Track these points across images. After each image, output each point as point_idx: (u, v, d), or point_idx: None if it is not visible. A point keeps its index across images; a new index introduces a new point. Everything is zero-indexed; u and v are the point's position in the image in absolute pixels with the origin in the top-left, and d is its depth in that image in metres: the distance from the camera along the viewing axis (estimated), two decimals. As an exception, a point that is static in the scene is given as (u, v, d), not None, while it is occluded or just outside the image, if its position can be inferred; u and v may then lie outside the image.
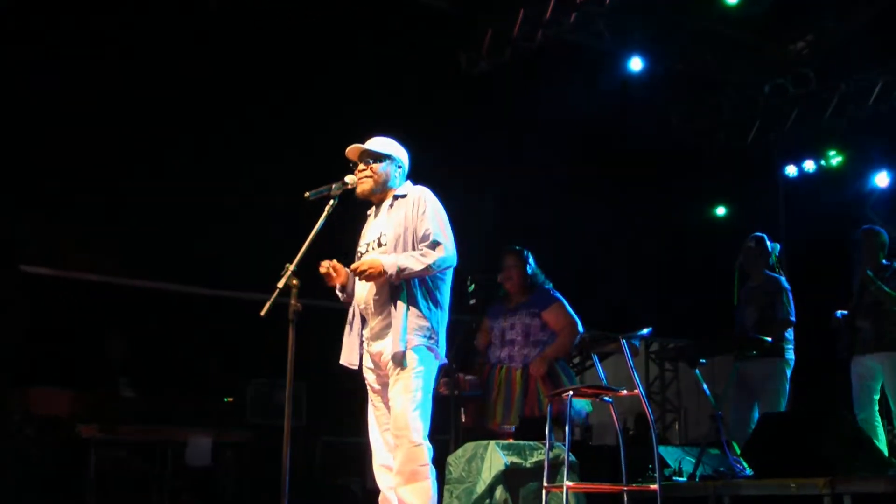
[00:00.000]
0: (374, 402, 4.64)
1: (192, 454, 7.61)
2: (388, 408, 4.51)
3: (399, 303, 4.42)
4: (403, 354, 4.37)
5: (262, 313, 4.10)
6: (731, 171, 10.59)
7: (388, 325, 4.46)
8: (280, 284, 4.15)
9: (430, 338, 4.45)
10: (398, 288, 4.43)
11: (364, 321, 4.63)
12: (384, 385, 4.55)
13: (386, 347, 4.45)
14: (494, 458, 5.45)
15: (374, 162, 4.65)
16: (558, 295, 6.45)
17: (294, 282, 4.17)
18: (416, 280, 4.45)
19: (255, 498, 7.63)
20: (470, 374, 6.50)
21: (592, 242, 9.73)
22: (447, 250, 4.47)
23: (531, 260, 6.53)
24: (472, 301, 6.29)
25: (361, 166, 4.66)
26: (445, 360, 4.61)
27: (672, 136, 10.26)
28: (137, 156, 7.57)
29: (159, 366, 8.47)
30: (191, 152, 7.76)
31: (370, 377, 4.63)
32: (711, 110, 10.40)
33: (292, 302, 4.17)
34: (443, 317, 4.56)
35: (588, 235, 9.74)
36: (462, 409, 6.42)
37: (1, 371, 7.15)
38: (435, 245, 4.45)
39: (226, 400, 8.31)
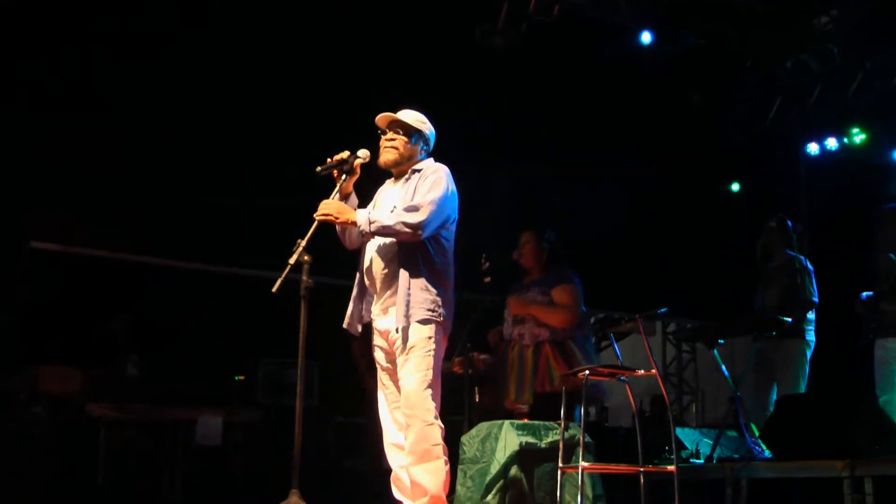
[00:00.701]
0: (382, 380, 4.66)
1: (202, 434, 7.63)
2: (397, 386, 4.54)
3: (403, 277, 4.44)
4: (408, 328, 4.38)
5: (274, 290, 4.11)
6: (752, 148, 10.53)
7: (394, 302, 4.48)
8: (292, 260, 4.16)
9: (434, 311, 4.46)
10: (403, 262, 4.46)
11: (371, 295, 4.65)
12: (393, 363, 4.57)
13: (392, 326, 4.48)
14: (509, 437, 5.46)
15: (403, 133, 4.66)
16: (574, 276, 6.44)
17: (306, 258, 4.18)
18: (420, 254, 4.46)
19: (265, 478, 7.64)
20: (484, 353, 6.51)
21: (609, 221, 9.69)
22: (425, 213, 4.42)
23: (552, 239, 6.52)
24: (487, 279, 6.29)
25: (390, 135, 4.67)
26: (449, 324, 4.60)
27: (691, 113, 10.19)
28: (147, 130, 7.57)
29: (169, 344, 8.49)
30: (201, 126, 7.76)
31: (378, 355, 4.66)
32: (731, 87, 10.34)
33: (304, 278, 4.18)
34: (449, 290, 4.57)
35: (604, 214, 9.70)
36: (476, 389, 6.44)
37: (7, 349, 7.17)
38: (414, 207, 4.44)
39: (236, 379, 8.33)
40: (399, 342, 4.44)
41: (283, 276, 4.12)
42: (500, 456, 5.43)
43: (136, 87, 7.53)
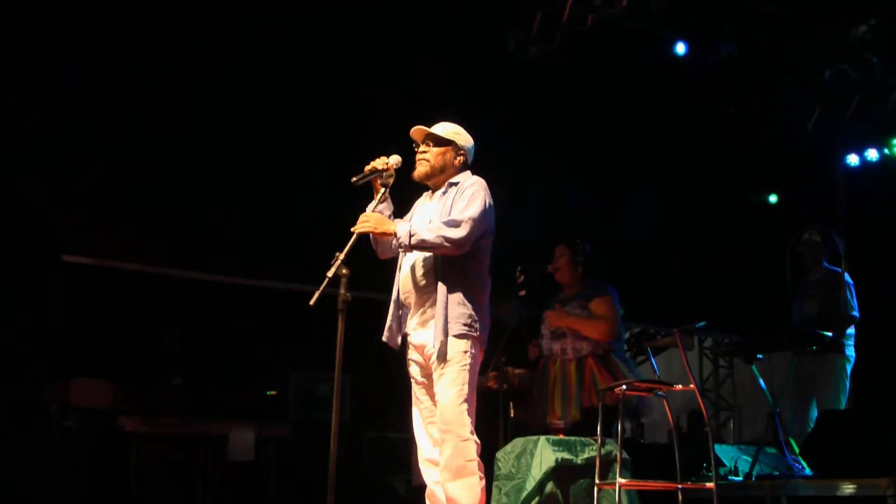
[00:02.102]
0: (417, 394, 4.68)
1: (234, 448, 7.66)
2: (433, 401, 4.56)
3: (441, 290, 4.46)
4: (446, 343, 4.42)
5: (312, 303, 4.13)
6: (790, 159, 10.50)
7: (431, 316, 4.51)
8: (330, 273, 4.18)
9: (471, 326, 4.48)
10: (440, 275, 4.48)
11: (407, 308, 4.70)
12: (428, 377, 4.59)
13: (429, 340, 4.50)
14: (545, 453, 5.47)
15: (435, 146, 4.70)
16: (611, 289, 6.46)
17: (344, 271, 4.21)
18: (457, 268, 4.48)
19: (297, 494, 7.69)
20: (519, 367, 6.53)
21: (644, 232, 9.70)
22: (466, 228, 4.44)
23: (587, 252, 6.55)
24: (522, 292, 6.31)
25: (423, 147, 4.72)
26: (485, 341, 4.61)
27: (727, 124, 10.18)
28: (185, 143, 7.66)
29: (201, 358, 8.56)
30: (241, 141, 7.85)
31: (413, 369, 4.68)
32: (768, 97, 10.32)
33: (342, 291, 4.21)
34: (485, 305, 4.59)
35: (639, 225, 9.71)
36: (511, 404, 6.46)
37: (39, 362, 7.26)
38: (455, 223, 4.45)
39: (269, 393, 8.36)
40: (435, 356, 4.46)
41: (321, 289, 4.14)
42: (536, 472, 5.45)
43: (182, 91, 7.62)
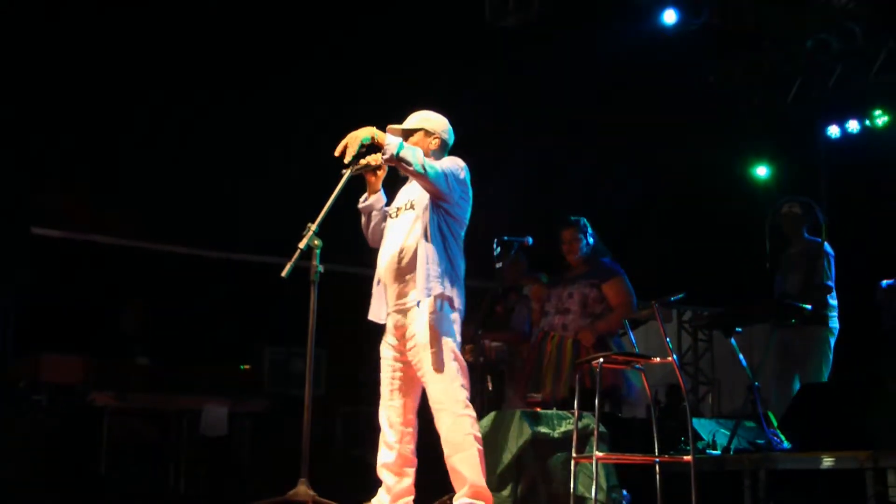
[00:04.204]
0: (387, 376, 4.69)
1: (208, 424, 7.67)
2: (405, 384, 4.63)
3: (420, 270, 4.50)
4: (424, 324, 4.47)
5: (284, 274, 4.11)
6: (770, 130, 10.51)
7: (406, 293, 4.58)
8: (302, 245, 4.17)
9: (451, 303, 4.53)
10: (418, 257, 4.53)
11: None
12: (400, 360, 4.64)
13: (410, 321, 4.55)
14: (521, 427, 5.48)
15: (407, 140, 4.72)
16: (619, 269, 6.53)
17: (316, 242, 4.19)
18: (436, 248, 4.53)
19: (272, 469, 7.70)
20: (496, 340, 6.55)
21: (625, 204, 9.71)
22: (441, 171, 4.53)
23: (589, 229, 6.63)
24: (499, 265, 6.32)
25: None
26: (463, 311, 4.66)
27: (708, 94, 10.18)
28: (151, 115, 7.59)
29: (173, 332, 8.53)
30: (207, 111, 7.78)
31: (387, 351, 4.71)
32: (750, 67, 10.31)
33: (314, 263, 4.20)
34: (461, 286, 4.64)
35: (620, 197, 9.72)
36: (488, 377, 6.48)
37: (8, 337, 7.21)
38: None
39: (242, 368, 8.36)
40: (416, 340, 4.50)
41: (293, 261, 4.12)
42: (512, 446, 5.46)
43: (148, 63, 7.54)
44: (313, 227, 4.22)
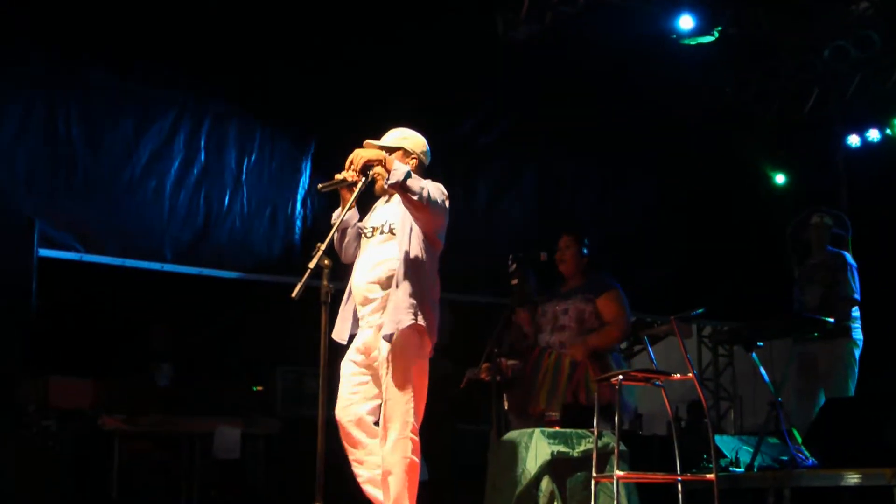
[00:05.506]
0: (347, 390, 4.67)
1: (220, 446, 7.66)
2: (363, 397, 4.64)
3: (392, 292, 4.54)
4: (392, 337, 4.48)
5: (294, 295, 4.11)
6: (788, 140, 10.47)
7: (378, 312, 4.60)
8: (311, 265, 4.16)
9: (422, 323, 4.53)
10: (392, 277, 4.57)
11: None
12: (365, 374, 4.66)
13: (374, 340, 4.58)
14: (540, 447, 5.46)
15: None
16: (615, 283, 6.47)
17: (326, 262, 4.19)
18: (409, 270, 4.55)
19: (285, 492, 7.68)
20: (512, 358, 6.52)
21: (640, 217, 9.66)
22: (437, 202, 4.54)
23: (586, 241, 6.59)
24: (514, 281, 6.30)
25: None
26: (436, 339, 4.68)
27: (724, 104, 10.14)
28: (162, 129, 7.60)
29: (185, 354, 8.52)
30: (222, 129, 7.80)
31: (349, 368, 4.70)
32: (766, 76, 10.27)
33: (324, 283, 4.19)
34: (435, 306, 4.65)
35: (635, 210, 9.68)
36: (504, 396, 6.44)
37: (15, 359, 7.20)
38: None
39: (255, 389, 8.34)
40: (382, 355, 4.52)
41: (304, 280, 4.11)
42: (531, 466, 5.44)
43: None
44: (322, 246, 4.22)
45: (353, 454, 4.66)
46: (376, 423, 4.62)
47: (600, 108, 9.32)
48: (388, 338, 4.49)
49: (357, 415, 4.64)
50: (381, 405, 4.57)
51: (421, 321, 4.52)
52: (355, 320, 4.78)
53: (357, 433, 4.64)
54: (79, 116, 7.19)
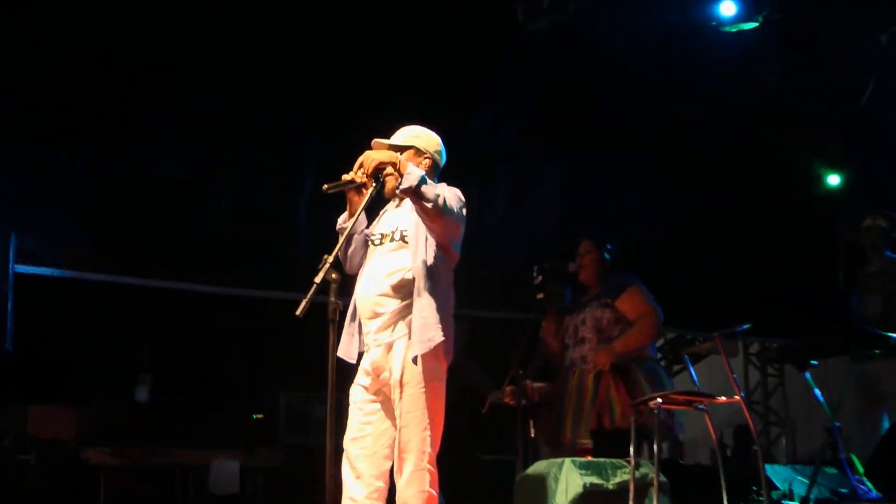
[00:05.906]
0: (357, 420, 4.64)
1: (217, 480, 7.67)
2: (374, 429, 4.59)
3: (402, 301, 4.53)
4: (403, 362, 4.47)
5: (298, 313, 4.08)
6: (842, 135, 10.43)
7: (390, 327, 4.57)
8: (318, 279, 4.13)
9: (435, 343, 4.48)
10: (403, 291, 4.54)
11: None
12: (375, 401, 4.63)
13: (389, 361, 4.54)
14: (571, 478, 5.43)
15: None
16: (633, 278, 6.42)
17: (334, 276, 4.15)
18: (422, 283, 4.51)
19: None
20: (539, 380, 6.49)
21: (678, 225, 9.63)
22: (454, 211, 4.51)
23: (613, 249, 6.55)
24: (540, 295, 6.28)
25: None
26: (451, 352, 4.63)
27: (770, 98, 10.11)
28: (152, 145, 7.64)
29: (176, 379, 8.53)
30: (218, 140, 7.83)
31: (357, 392, 4.68)
32: (816, 67, 10.24)
33: (332, 299, 4.16)
34: (450, 324, 4.61)
35: (672, 216, 9.65)
36: (531, 422, 6.41)
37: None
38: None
39: (255, 417, 8.35)
40: (394, 377, 4.49)
41: (309, 296, 4.08)
42: (562, 499, 5.41)
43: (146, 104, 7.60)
44: (330, 258, 4.19)
45: (348, 490, 4.63)
46: (387, 458, 4.58)
47: (627, 104, 9.29)
48: (416, 360, 4.45)
49: (370, 449, 4.60)
50: (394, 437, 4.54)
51: (429, 343, 4.47)
52: (361, 338, 4.74)
53: (363, 467, 4.58)
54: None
